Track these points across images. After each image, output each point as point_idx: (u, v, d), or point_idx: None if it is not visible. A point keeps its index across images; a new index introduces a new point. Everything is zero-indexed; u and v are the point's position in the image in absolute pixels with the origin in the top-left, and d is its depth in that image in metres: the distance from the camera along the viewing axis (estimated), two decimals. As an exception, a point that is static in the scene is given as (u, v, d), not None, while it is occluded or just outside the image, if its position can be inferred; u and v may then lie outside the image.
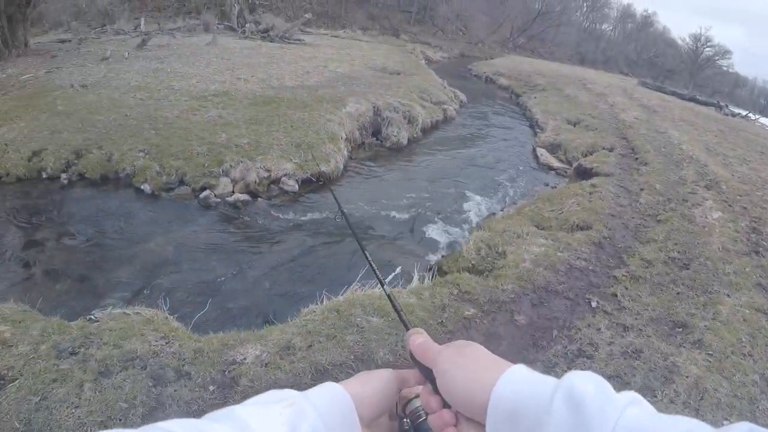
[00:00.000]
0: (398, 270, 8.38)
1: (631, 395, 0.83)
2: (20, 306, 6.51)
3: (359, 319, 6.28)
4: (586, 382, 0.83)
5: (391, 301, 1.47)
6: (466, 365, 0.98)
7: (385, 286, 1.55)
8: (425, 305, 6.71)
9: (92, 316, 6.29)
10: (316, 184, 12.06)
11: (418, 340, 1.13)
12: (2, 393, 4.80)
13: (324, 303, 6.90)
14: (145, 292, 8.11)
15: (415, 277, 7.96)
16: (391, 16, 51.58)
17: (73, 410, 4.66)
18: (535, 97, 25.02)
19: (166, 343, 5.73)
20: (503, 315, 6.71)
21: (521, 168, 15.30)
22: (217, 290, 8.25)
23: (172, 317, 6.59)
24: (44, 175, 11.69)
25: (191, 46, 25.08)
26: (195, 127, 13.24)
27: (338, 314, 6.37)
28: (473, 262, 8.50)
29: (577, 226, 9.92)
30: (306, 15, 32.11)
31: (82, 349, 5.45)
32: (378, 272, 1.61)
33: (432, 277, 8.06)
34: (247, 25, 32.14)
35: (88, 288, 8.22)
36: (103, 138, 12.45)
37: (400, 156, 15.13)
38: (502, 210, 11.97)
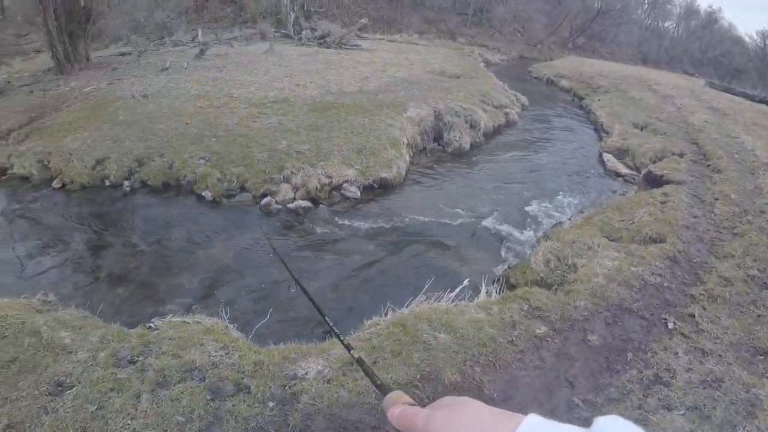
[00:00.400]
0: (466, 282, 7.91)
1: None
2: (81, 312, 6.47)
3: (426, 335, 5.90)
4: None
5: (360, 364, 1.15)
6: (467, 427, 0.85)
7: (351, 351, 1.24)
8: (494, 321, 6.29)
9: (152, 324, 6.15)
10: (378, 190, 11.77)
11: (396, 411, 1.00)
12: (60, 400, 4.67)
13: (389, 316, 6.59)
14: (205, 299, 8.00)
15: (483, 290, 7.49)
16: (447, 19, 51.03)
17: (129, 421, 4.48)
18: (598, 100, 24.17)
19: (226, 353, 5.51)
20: (576, 334, 6.26)
21: (587, 174, 14.65)
22: (277, 299, 8.03)
23: (232, 326, 6.40)
24: (107, 183, 11.83)
25: (249, 54, 25.22)
26: (255, 134, 13.14)
27: (404, 329, 6.00)
28: (542, 274, 8.10)
29: (650, 238, 9.24)
30: (362, 20, 32.01)
31: (140, 358, 5.30)
32: (339, 334, 1.30)
33: (500, 290, 7.61)
34: (304, 32, 32.28)
35: (149, 293, 8.18)
36: (164, 146, 12.49)
37: (463, 161, 14.72)
38: (569, 219, 11.38)
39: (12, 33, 32.91)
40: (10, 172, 12.62)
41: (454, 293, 7.19)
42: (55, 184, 11.90)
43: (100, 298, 7.92)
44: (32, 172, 12.27)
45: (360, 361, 1.28)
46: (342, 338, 1.38)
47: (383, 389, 1.09)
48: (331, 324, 1.42)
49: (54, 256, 9.33)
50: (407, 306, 6.83)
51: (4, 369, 5.06)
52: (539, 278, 7.97)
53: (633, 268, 7.82)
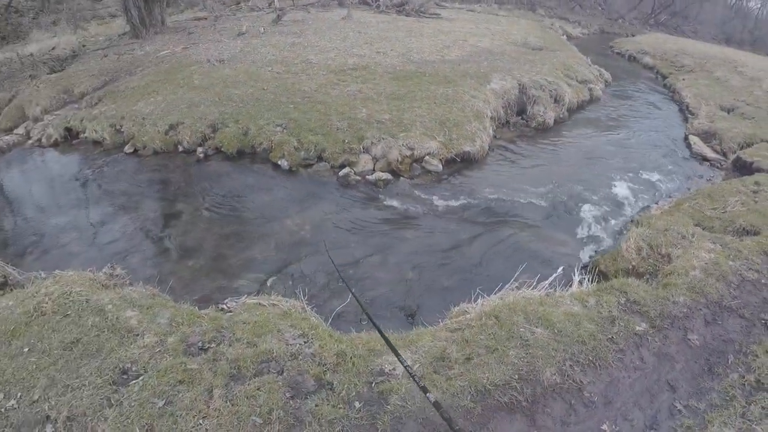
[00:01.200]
0: (557, 269, 7.25)
1: None
2: (149, 289, 6.04)
3: (522, 329, 5.27)
4: None
5: (437, 408, 0.54)
6: None
7: (428, 394, 0.65)
8: (591, 315, 5.64)
9: (224, 306, 5.67)
10: (461, 164, 11.10)
11: None
12: (124, 391, 4.21)
13: (478, 303, 5.96)
14: (279, 274, 7.55)
15: (576, 278, 6.81)
16: (528, -11, 49.57)
17: (200, 420, 3.99)
18: (683, 79, 22.73)
19: (305, 342, 4.99)
20: (675, 333, 5.70)
21: (672, 156, 13.60)
22: (356, 276, 7.54)
23: (310, 309, 5.87)
24: (180, 149, 11.59)
25: (326, 20, 24.72)
26: (334, 101, 12.61)
27: (497, 321, 5.38)
28: (634, 263, 7.53)
29: (744, 229, 8.39)
30: (443, -12, 31.11)
31: (212, 346, 4.83)
32: (413, 374, 0.75)
33: (593, 279, 6.93)
34: (382, -1, 31.44)
35: (221, 266, 7.78)
36: (239, 112, 12.09)
37: (546, 137, 13.85)
38: (656, 203, 10.59)
39: (88, -2, 33.29)
40: (82, 135, 12.57)
41: (548, 281, 6.55)
42: (127, 149, 11.75)
43: (170, 270, 7.64)
44: (104, 137, 12.17)
45: (437, 405, 0.79)
46: (417, 379, 0.84)
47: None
48: (403, 361, 0.88)
49: (124, 223, 9.09)
50: (496, 293, 6.25)
51: (66, 351, 4.68)
52: (631, 267, 7.49)
53: (730, 263, 7.05)
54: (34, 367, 4.50)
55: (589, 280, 6.78)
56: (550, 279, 6.65)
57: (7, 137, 13.32)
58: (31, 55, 19.59)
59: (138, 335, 4.88)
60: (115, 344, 4.75)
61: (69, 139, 12.76)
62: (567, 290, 6.42)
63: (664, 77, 24.54)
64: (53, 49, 20.45)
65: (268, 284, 7.24)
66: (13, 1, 28.21)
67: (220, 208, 9.43)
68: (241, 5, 31.26)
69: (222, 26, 23.19)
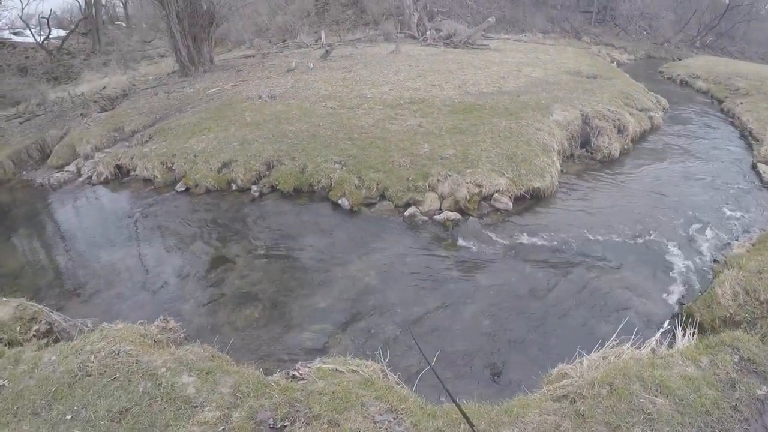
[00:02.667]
0: (666, 325, 6.63)
1: None
2: (207, 349, 5.51)
3: (642, 400, 4.64)
4: None
5: None
6: None
7: None
8: (709, 378, 5.01)
9: (296, 372, 5.09)
10: (530, 201, 10.51)
11: None
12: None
13: (583, 365, 5.33)
14: (348, 327, 6.97)
15: (679, 333, 6.19)
16: (571, 17, 48.93)
17: None
18: (741, 103, 21.83)
19: (394, 418, 4.38)
20: None
21: (742, 186, 12.78)
22: (429, 329, 6.95)
23: (394, 376, 5.27)
24: (234, 187, 11.25)
25: (375, 55, 24.56)
26: (393, 136, 12.13)
27: (611, 390, 4.73)
28: (731, 310, 6.89)
29: None
30: (490, 19, 30.62)
31: (287, 424, 4.26)
32: None
33: (693, 332, 6.24)
34: (428, 32, 31.28)
35: (280, 315, 7.26)
36: (295, 148, 11.70)
37: (612, 170, 13.15)
38: (737, 240, 9.86)
39: (137, 39, 34.11)
40: (133, 173, 12.41)
41: (654, 339, 5.94)
42: (179, 187, 11.47)
43: (225, 319, 7.17)
44: (155, 174, 11.94)
45: None
46: None
47: None
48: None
49: (175, 266, 8.71)
50: (597, 351, 5.63)
51: (114, 423, 4.18)
52: (728, 315, 6.86)
53: None
54: None
55: (690, 334, 6.12)
56: (657, 335, 6.07)
57: (58, 174, 13.34)
58: (82, 94, 19.83)
59: (197, 407, 4.34)
60: (171, 418, 4.23)
61: (119, 176, 12.67)
62: (673, 347, 5.80)
63: (720, 101, 23.79)
64: (104, 88, 20.68)
65: (339, 342, 6.68)
66: (65, 44, 28.92)
67: (278, 251, 8.96)
68: (288, 43, 31.64)
69: (270, 63, 23.18)
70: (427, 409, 4.60)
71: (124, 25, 36.81)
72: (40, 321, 6.15)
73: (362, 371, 5.06)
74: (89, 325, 6.24)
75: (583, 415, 4.46)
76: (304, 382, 4.87)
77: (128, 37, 34.02)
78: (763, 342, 5.75)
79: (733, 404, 4.74)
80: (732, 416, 4.61)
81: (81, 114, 17.08)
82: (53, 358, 4.94)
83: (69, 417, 4.23)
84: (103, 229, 10.38)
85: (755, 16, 61.27)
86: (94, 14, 32.57)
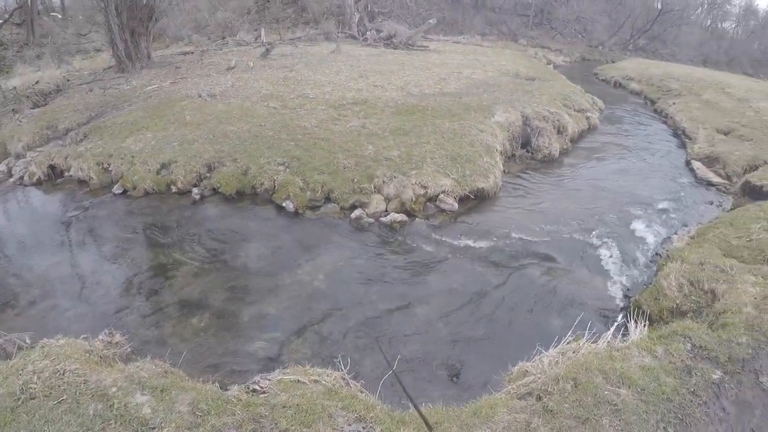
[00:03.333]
0: (620, 319, 6.82)
1: None
2: (158, 365, 5.24)
3: (607, 392, 4.78)
4: None
5: None
6: None
7: None
8: (666, 367, 5.24)
9: (257, 385, 4.89)
10: (475, 201, 10.61)
11: None
12: None
13: (544, 362, 5.42)
14: (300, 335, 6.83)
15: (632, 325, 6.40)
16: (509, 20, 49.82)
17: None
18: (673, 104, 22.68)
19: (364, 428, 4.32)
20: (747, 377, 5.37)
21: (678, 182, 13.34)
22: (383, 333, 6.88)
23: (356, 384, 5.20)
24: (174, 189, 10.92)
25: (315, 54, 24.43)
26: (337, 137, 12.04)
27: (576, 385, 4.85)
28: (677, 301, 7.21)
29: None
30: (431, 21, 30.90)
31: None
32: None
33: (645, 323, 6.48)
34: (369, 32, 31.43)
35: (229, 324, 7.06)
36: (237, 149, 11.48)
37: (553, 169, 13.46)
38: (676, 233, 10.29)
39: (73, 32, 32.97)
40: (67, 174, 11.91)
41: (609, 332, 6.08)
42: (116, 189, 11.08)
43: (171, 330, 6.92)
44: (91, 176, 11.49)
45: None
46: None
47: None
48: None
49: (115, 274, 8.34)
50: (554, 347, 5.77)
51: None
52: (675, 305, 7.19)
53: None
54: None
55: (642, 325, 6.38)
56: (612, 329, 6.24)
57: None
58: (15, 88, 19.00)
59: (155, 429, 4.09)
60: None
61: (53, 177, 12.09)
62: (627, 339, 6.02)
63: (653, 102, 24.78)
64: (37, 83, 19.86)
65: (291, 348, 6.57)
66: (-3, 34, 27.85)
67: (222, 256, 8.72)
68: (227, 40, 31.13)
69: (209, 61, 22.74)
70: (395, 416, 4.57)
71: (59, 16, 35.48)
72: None
73: (324, 381, 4.96)
74: (27, 340, 5.83)
75: (551, 411, 4.56)
76: (266, 395, 4.70)
77: (63, 29, 32.81)
78: (712, 329, 6.10)
79: (692, 389, 5.02)
80: (692, 401, 4.87)
81: (12, 110, 16.30)
82: None
83: None
84: (35, 234, 9.88)
85: (686, 20, 63.72)
86: (29, 4, 31.37)
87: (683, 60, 53.62)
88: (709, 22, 78.36)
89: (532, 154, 14.16)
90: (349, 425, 4.26)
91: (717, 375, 5.26)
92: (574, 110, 17.53)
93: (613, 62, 41.41)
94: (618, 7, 58.73)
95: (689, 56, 58.71)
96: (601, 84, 30.48)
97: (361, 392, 4.98)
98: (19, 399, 4.33)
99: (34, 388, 4.44)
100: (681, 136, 18.10)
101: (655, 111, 22.89)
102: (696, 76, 30.31)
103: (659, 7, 58.29)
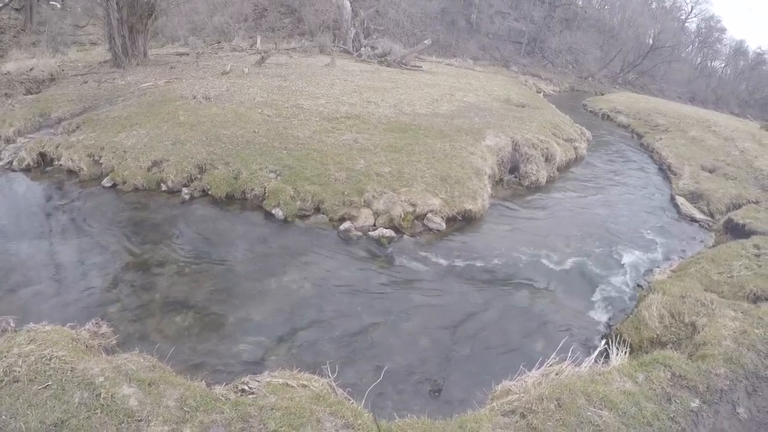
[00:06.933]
0: (602, 345, 6.97)
1: None
2: (147, 359, 5.27)
3: (589, 413, 4.98)
4: None
5: None
6: None
7: None
8: (646, 393, 5.47)
9: (246, 386, 4.99)
10: (462, 222, 10.76)
11: None
12: None
13: (528, 382, 5.60)
14: (285, 341, 6.91)
15: (613, 352, 6.58)
16: (502, 47, 50.33)
17: None
18: (660, 139, 23.07)
19: (352, 435, 4.41)
20: (725, 407, 5.62)
21: (662, 217, 13.65)
22: (369, 344, 7.00)
23: (342, 392, 5.30)
24: (164, 188, 10.98)
25: (310, 66, 24.57)
26: (329, 149, 12.15)
27: (560, 405, 5.03)
28: (658, 332, 7.46)
29: (756, 295, 8.48)
30: (426, 41, 31.27)
31: None
32: None
33: (625, 351, 6.69)
34: (363, 48, 31.80)
35: (214, 324, 7.10)
36: (229, 153, 11.56)
37: (539, 196, 13.67)
38: (658, 267, 10.58)
39: (70, 23, 32.85)
40: (57, 163, 11.93)
41: (592, 357, 6.36)
42: (106, 182, 11.10)
43: (155, 326, 6.97)
44: (81, 167, 11.52)
45: None
46: None
47: None
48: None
49: (101, 266, 8.37)
50: (537, 368, 5.94)
51: None
52: (655, 336, 7.45)
53: (756, 330, 7.03)
54: None
55: (623, 353, 6.58)
56: (594, 354, 6.49)
57: None
58: (8, 73, 18.94)
59: (141, 421, 4.13)
60: None
61: (42, 165, 12.14)
62: (608, 365, 6.24)
63: (640, 136, 25.13)
64: (31, 70, 19.77)
65: (276, 354, 6.64)
66: (-5, 18, 27.72)
67: (209, 258, 8.78)
68: (223, 44, 31.28)
69: (205, 63, 22.81)
70: (382, 426, 4.66)
71: (58, 6, 35.30)
72: None
73: (312, 386, 5.04)
74: (12, 324, 5.88)
75: (535, 429, 4.73)
76: (255, 396, 4.79)
77: (61, 19, 32.67)
78: (691, 360, 6.31)
79: (671, 416, 5.21)
80: (671, 427, 5.07)
81: (5, 94, 16.29)
82: None
83: None
84: (22, 220, 9.88)
85: (676, 57, 64.67)
86: (31, -10, 31.31)
87: (671, 96, 54.53)
88: (699, 60, 79.60)
89: (520, 180, 14.34)
90: (338, 431, 4.33)
91: (695, 404, 5.48)
92: (563, 139, 17.78)
93: (602, 94, 41.97)
94: (610, 40, 59.57)
95: (678, 92, 59.71)
96: (589, 115, 30.85)
97: (348, 399, 5.06)
98: (2, 381, 4.39)
99: (19, 372, 4.49)
100: (666, 172, 18.45)
101: (642, 145, 23.26)
102: (683, 113, 30.82)
103: (651, 42, 59.29)
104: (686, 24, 74.67)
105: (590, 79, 51.72)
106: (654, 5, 72.55)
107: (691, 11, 73.53)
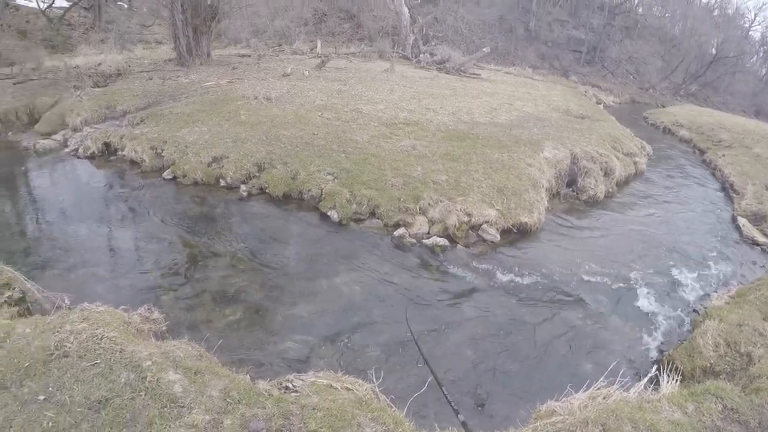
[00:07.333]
0: (653, 371, 6.76)
1: None
2: (195, 348, 5.33)
3: None
4: None
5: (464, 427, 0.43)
6: None
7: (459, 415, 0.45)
8: (695, 425, 5.17)
9: (289, 383, 5.01)
10: (517, 235, 10.63)
11: None
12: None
13: (574, 405, 5.41)
14: (331, 342, 6.93)
15: (663, 379, 6.31)
16: (561, 55, 49.51)
17: None
18: (723, 155, 22.23)
19: (392, 442, 4.38)
20: None
21: (722, 239, 13.11)
22: (415, 352, 6.84)
23: (385, 398, 5.22)
24: (222, 183, 11.24)
25: (369, 71, 24.66)
26: (387, 155, 12.17)
27: (605, 430, 4.85)
28: (712, 360, 7.12)
29: None
30: (485, 49, 31.07)
31: None
32: None
33: (677, 379, 6.42)
34: (422, 55, 31.76)
35: (263, 321, 7.19)
36: (288, 154, 11.71)
37: (597, 211, 13.35)
38: (716, 291, 10.10)
39: (137, 22, 33.90)
40: (120, 153, 12.38)
41: (642, 383, 6.05)
42: (167, 174, 11.45)
43: (205, 317, 7.08)
44: (144, 158, 11.91)
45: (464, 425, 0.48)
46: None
47: None
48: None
49: (157, 254, 8.61)
50: (584, 391, 5.70)
51: (92, 412, 3.98)
52: (709, 365, 7.09)
53: None
54: (50, 425, 3.81)
55: (674, 381, 6.30)
56: (644, 380, 6.19)
57: (44, 141, 13.39)
58: (78, 67, 19.70)
59: (184, 407, 4.18)
60: (155, 415, 4.06)
61: (106, 154, 12.66)
62: (658, 392, 5.96)
63: (702, 152, 24.21)
64: (99, 64, 20.49)
65: (322, 355, 6.68)
66: (66, 14, 28.75)
67: (262, 254, 8.90)
68: (284, 47, 31.75)
69: (266, 65, 23.14)
70: None
71: (126, 6, 36.53)
72: (14, 288, 5.98)
73: (356, 390, 5.02)
74: (66, 301, 6.05)
75: None
76: (297, 394, 4.80)
77: (128, 18, 33.76)
78: (745, 392, 5.97)
79: None
80: None
81: (74, 86, 16.93)
82: (27, 330, 4.79)
83: (42, 398, 4.05)
84: (84, 204, 10.27)
85: (740, 68, 62.08)
86: (99, -10, 32.45)
87: (735, 109, 52.60)
88: (764, 72, 76.21)
89: (577, 194, 14.06)
90: (379, 437, 4.34)
91: (746, 440, 5.19)
92: (623, 153, 17.39)
93: (664, 107, 40.77)
94: (672, 49, 57.75)
95: (742, 106, 57.49)
96: (650, 128, 30.04)
97: (390, 407, 5.02)
98: (52, 354, 4.51)
99: (69, 347, 4.61)
100: (728, 190, 17.79)
101: (704, 161, 22.47)
102: (748, 128, 29.70)
103: (713, 52, 57.40)
104: (750, 32, 71.64)
105: (651, 90, 50.38)
106: (716, 12, 69.95)
107: (754, 19, 70.79)
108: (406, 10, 34.04)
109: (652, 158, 20.10)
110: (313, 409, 4.52)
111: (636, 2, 61.65)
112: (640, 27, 58.44)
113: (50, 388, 4.16)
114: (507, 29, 48.51)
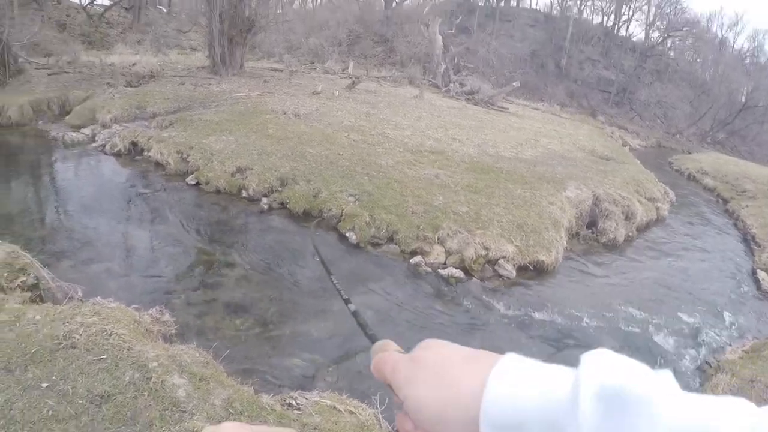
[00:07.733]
0: None
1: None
2: (202, 354, 5.29)
3: None
4: (614, 371, 0.56)
5: (355, 317, 1.06)
6: (429, 376, 0.70)
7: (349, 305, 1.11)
8: None
9: (294, 401, 4.95)
10: (533, 272, 10.57)
11: (375, 358, 0.83)
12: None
13: None
14: (339, 363, 6.86)
15: None
16: (590, 95, 49.56)
17: None
18: (747, 206, 21.99)
19: (391, 472, 4.33)
20: None
21: (740, 291, 12.93)
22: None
23: (388, 425, 5.16)
24: (244, 194, 11.28)
25: (398, 96, 24.82)
26: (410, 182, 12.18)
27: None
28: None
29: None
30: (515, 83, 31.04)
31: None
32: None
33: None
34: (452, 84, 31.86)
35: (271, 334, 7.16)
36: (312, 171, 11.76)
37: (614, 255, 13.22)
38: (730, 345, 9.92)
39: (174, 27, 34.55)
40: (146, 153, 12.55)
41: None
42: (190, 179, 11.54)
43: (214, 324, 7.07)
44: (169, 161, 12.06)
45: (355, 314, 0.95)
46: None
47: (371, 338, 0.91)
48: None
49: (172, 257, 8.67)
50: None
51: (93, 406, 3.95)
52: None
53: None
54: (50, 413, 3.78)
55: None
56: None
57: (73, 134, 13.72)
58: (113, 64, 20.13)
59: (185, 413, 4.13)
60: (156, 417, 4.01)
61: (132, 153, 12.87)
62: None
63: (726, 201, 23.85)
64: (134, 65, 20.94)
65: (327, 375, 6.66)
66: (106, 13, 29.37)
67: (278, 269, 8.89)
68: (316, 65, 32.16)
69: (297, 81, 23.45)
70: None
71: (164, 10, 37.35)
72: (29, 274, 6.02)
73: (359, 414, 4.98)
74: (79, 293, 6.12)
75: None
76: (300, 412, 4.76)
77: (166, 22, 34.51)
78: None
79: None
80: None
81: (108, 83, 17.36)
82: (38, 317, 4.81)
83: (45, 385, 4.04)
84: (105, 199, 10.41)
85: (769, 118, 61.57)
86: (140, -8, 33.18)
87: (762, 160, 51.92)
88: (793, 122, 75.72)
89: (597, 236, 13.94)
90: (379, 466, 4.29)
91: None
92: (646, 198, 17.27)
93: (690, 153, 40.38)
94: (701, 95, 57.30)
95: (768, 156, 57.01)
96: (674, 174, 29.77)
97: (394, 438, 4.97)
98: (60, 344, 4.51)
99: (77, 339, 4.60)
100: (750, 242, 17.57)
101: (726, 211, 22.19)
102: (774, 179, 29.48)
103: (743, 100, 56.84)
104: (781, 82, 71.15)
105: (678, 135, 50.05)
106: (748, 60, 69.52)
107: (786, 69, 70.16)
108: (439, 38, 34.29)
109: (674, 204, 19.94)
110: (315, 429, 4.49)
111: (669, 46, 61.58)
112: (670, 71, 58.35)
113: (54, 377, 4.16)
114: (538, 65, 48.80)
